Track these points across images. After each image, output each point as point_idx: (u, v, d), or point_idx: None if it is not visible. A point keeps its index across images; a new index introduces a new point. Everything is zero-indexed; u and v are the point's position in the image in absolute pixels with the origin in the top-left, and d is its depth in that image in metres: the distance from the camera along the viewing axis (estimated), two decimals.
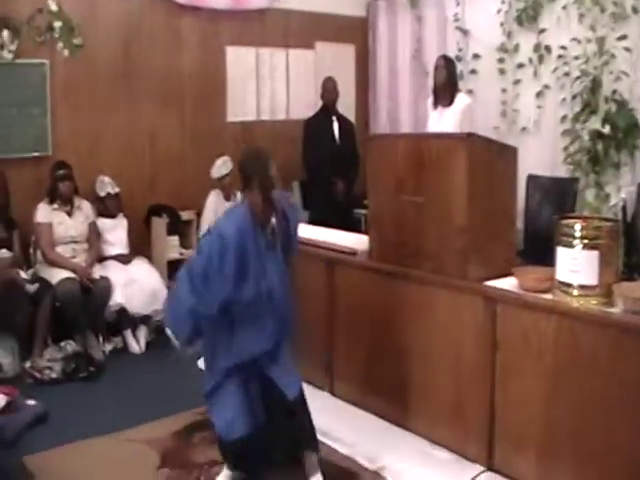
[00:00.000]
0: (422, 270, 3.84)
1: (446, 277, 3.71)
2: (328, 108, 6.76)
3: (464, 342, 3.62)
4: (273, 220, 3.46)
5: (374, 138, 5.16)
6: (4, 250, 5.38)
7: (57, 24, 5.90)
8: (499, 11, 6.39)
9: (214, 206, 6.24)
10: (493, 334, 3.47)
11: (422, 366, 3.86)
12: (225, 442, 3.48)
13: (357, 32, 7.83)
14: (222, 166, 6.25)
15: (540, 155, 6.07)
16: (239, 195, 6.40)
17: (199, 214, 6.36)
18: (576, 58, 5.86)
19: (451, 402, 3.73)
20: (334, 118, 6.74)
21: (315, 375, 4.54)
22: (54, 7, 5.86)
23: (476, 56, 6.67)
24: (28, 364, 5.08)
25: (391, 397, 4.07)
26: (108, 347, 5.54)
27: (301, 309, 4.59)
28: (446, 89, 5.85)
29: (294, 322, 3.62)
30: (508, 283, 3.55)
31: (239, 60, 6.97)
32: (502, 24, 6.38)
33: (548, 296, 3.33)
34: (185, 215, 6.40)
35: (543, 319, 3.25)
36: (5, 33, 5.67)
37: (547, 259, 3.48)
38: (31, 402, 4.31)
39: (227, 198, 6.33)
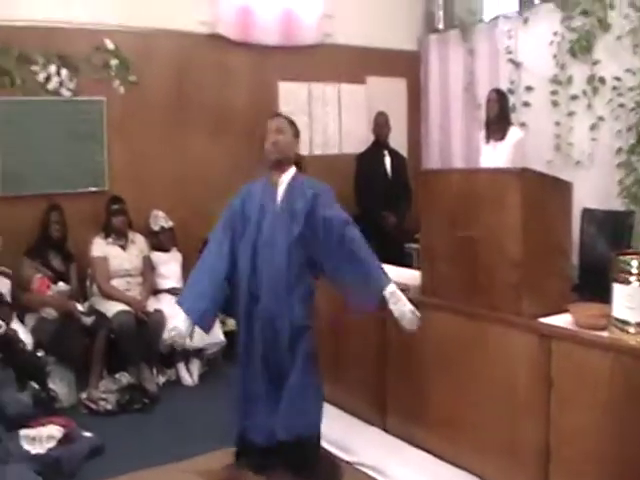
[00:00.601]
0: (475, 306, 3.80)
1: (500, 313, 3.67)
2: (380, 142, 6.79)
3: (518, 378, 3.57)
4: (282, 178, 3.66)
5: (426, 173, 5.16)
6: (62, 283, 5.52)
7: (113, 62, 6.09)
8: (552, 43, 6.35)
9: None
10: (547, 370, 3.42)
11: (475, 402, 3.81)
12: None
13: (409, 66, 7.86)
14: None
15: (595, 188, 5.98)
16: None
17: None
18: (631, 89, 5.80)
19: (505, 438, 3.66)
20: (386, 152, 6.76)
21: (366, 410, 4.52)
22: (111, 45, 6.05)
23: (529, 88, 6.63)
24: (84, 395, 5.16)
25: (443, 433, 4.01)
26: (162, 379, 5.60)
27: (351, 343, 4.62)
28: (498, 123, 5.84)
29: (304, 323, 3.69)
30: (563, 320, 3.49)
31: (291, 95, 7.07)
32: (555, 56, 6.34)
33: (604, 333, 3.27)
34: None
35: (599, 356, 3.19)
36: (64, 71, 5.86)
37: (603, 294, 3.42)
38: (87, 434, 4.36)
39: None
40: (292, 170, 3.75)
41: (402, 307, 3.56)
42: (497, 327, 3.68)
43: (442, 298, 4.00)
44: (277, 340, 3.67)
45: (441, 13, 7.80)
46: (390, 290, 3.56)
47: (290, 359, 3.67)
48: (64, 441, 4.10)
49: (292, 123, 3.79)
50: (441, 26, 7.80)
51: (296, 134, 3.75)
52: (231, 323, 5.83)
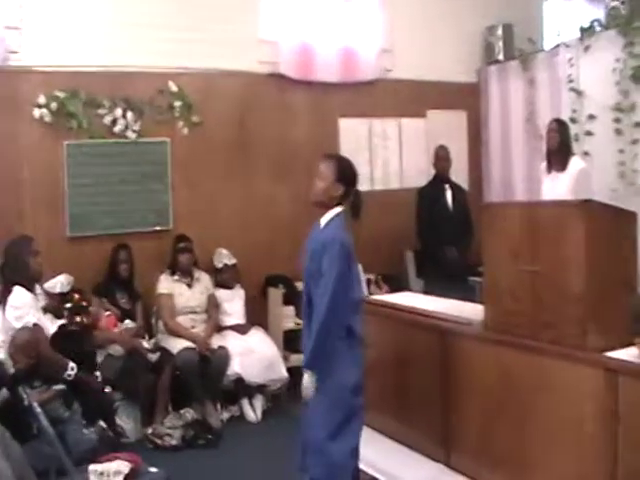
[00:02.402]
0: (539, 340, 3.74)
1: (564, 347, 3.60)
2: (441, 176, 6.74)
3: (584, 414, 3.49)
4: (321, 220, 3.78)
5: (488, 206, 5.12)
6: (128, 320, 5.64)
7: (177, 103, 6.23)
8: (614, 70, 6.24)
9: None
10: (615, 406, 3.34)
11: (541, 439, 3.73)
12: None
13: (468, 98, 7.82)
14: None
15: None
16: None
17: None
18: None
19: (571, 476, 3.58)
20: (447, 186, 6.70)
21: (430, 446, 4.47)
22: (174, 88, 6.21)
23: (591, 117, 6.52)
24: (149, 430, 5.25)
25: (509, 470, 3.93)
26: (225, 415, 5.65)
27: (415, 379, 4.59)
28: (559, 153, 5.77)
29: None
30: (629, 353, 3.41)
31: (351, 131, 7.12)
32: (617, 83, 6.22)
33: None
34: (301, 285, 6.39)
35: None
36: (129, 114, 6.02)
37: None
38: (153, 469, 4.39)
39: None
40: (331, 212, 3.76)
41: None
42: (562, 362, 3.61)
43: (505, 333, 3.95)
44: None
45: (501, 44, 7.75)
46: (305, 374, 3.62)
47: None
48: (131, 476, 4.13)
49: (338, 165, 3.79)
50: (501, 57, 7.75)
51: (340, 177, 3.74)
52: (294, 359, 5.86)
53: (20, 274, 4.74)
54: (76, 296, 5.28)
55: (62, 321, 5.07)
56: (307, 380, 3.61)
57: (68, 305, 5.22)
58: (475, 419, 4.15)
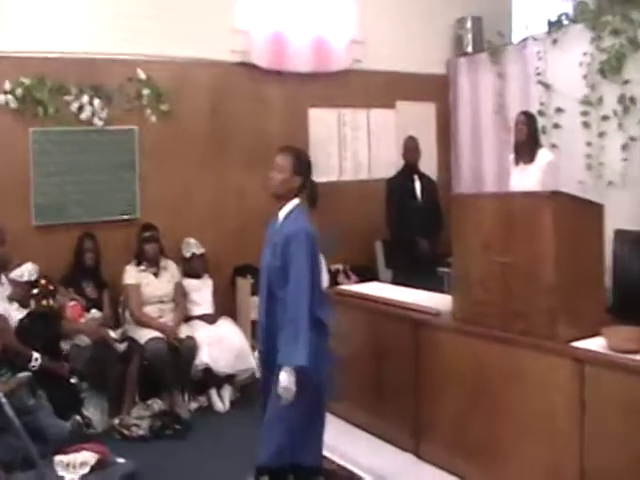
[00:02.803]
0: (509, 331, 3.77)
1: (534, 338, 3.64)
2: (410, 167, 6.74)
3: (554, 404, 3.53)
4: (280, 212, 3.81)
5: (458, 197, 5.15)
6: (95, 310, 5.58)
7: (145, 91, 6.16)
8: (581, 64, 6.30)
9: None
10: (581, 395, 3.38)
11: (511, 428, 3.77)
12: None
13: (438, 90, 7.86)
14: None
15: (628, 209, 5.91)
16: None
17: None
18: None
19: (543, 465, 3.61)
20: (416, 177, 6.71)
21: (400, 436, 4.50)
22: (143, 75, 6.15)
23: (559, 110, 6.59)
24: (117, 421, 5.20)
25: (481, 460, 3.96)
26: (194, 405, 5.61)
27: (385, 370, 4.60)
28: (527, 146, 5.82)
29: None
30: (597, 343, 3.46)
31: (321, 121, 7.12)
32: (585, 76, 6.29)
33: (638, 357, 3.23)
34: None
35: (633, 381, 3.16)
36: (97, 101, 5.95)
37: (638, 316, 3.39)
38: (120, 460, 4.37)
39: None
40: (290, 204, 3.76)
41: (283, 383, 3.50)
42: (531, 352, 3.65)
43: (475, 324, 3.98)
44: (269, 371, 3.72)
45: (470, 36, 7.79)
46: (283, 373, 3.49)
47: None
48: (97, 467, 4.12)
49: (296, 157, 3.81)
50: (470, 49, 7.79)
51: (297, 170, 3.76)
52: None
53: None
54: (43, 282, 5.23)
55: (29, 309, 5.02)
56: (287, 380, 3.47)
57: (35, 291, 5.18)
58: (447, 410, 4.18)
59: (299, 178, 3.77)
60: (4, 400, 3.74)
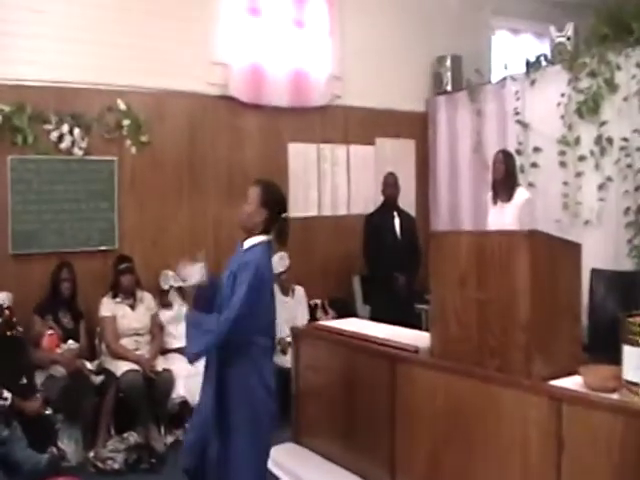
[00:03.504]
0: (485, 368, 3.79)
1: (510, 375, 3.65)
2: (389, 203, 6.79)
3: (530, 441, 3.52)
4: (245, 243, 3.79)
5: (436, 234, 5.17)
6: (71, 341, 5.54)
7: (125, 122, 6.18)
8: (559, 104, 6.40)
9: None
10: (559, 433, 3.39)
11: (488, 465, 3.75)
12: None
13: (417, 127, 7.95)
14: (280, 261, 6.29)
15: (604, 248, 5.98)
16: (297, 289, 6.47)
17: None
18: (638, 149, 5.84)
19: None
20: (395, 213, 6.76)
21: (376, 472, 4.47)
22: (123, 106, 6.17)
23: (537, 149, 6.68)
24: (91, 454, 5.14)
25: None
26: (170, 439, 5.54)
27: (361, 405, 4.59)
28: (505, 184, 5.89)
29: None
30: (573, 382, 3.47)
31: (300, 156, 7.16)
32: (562, 116, 6.38)
33: (615, 396, 3.25)
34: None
35: (610, 419, 3.16)
36: (77, 131, 5.96)
37: (613, 354, 3.41)
38: None
39: (285, 293, 6.40)
40: (257, 239, 3.74)
41: None
42: (507, 390, 3.65)
43: (452, 360, 3.98)
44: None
45: (449, 74, 7.90)
46: None
47: None
48: None
49: (264, 189, 3.78)
50: (449, 87, 7.89)
51: (264, 202, 3.73)
52: None
53: None
54: (6, 312, 5.18)
55: None
56: None
57: None
58: (423, 445, 4.16)
59: (265, 211, 3.73)
60: None
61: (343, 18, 7.25)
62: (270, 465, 5.01)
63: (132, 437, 5.21)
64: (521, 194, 5.87)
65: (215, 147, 6.64)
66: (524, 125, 6.82)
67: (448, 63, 7.90)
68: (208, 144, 6.61)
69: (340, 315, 6.40)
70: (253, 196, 3.75)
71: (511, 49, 8.62)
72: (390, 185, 6.81)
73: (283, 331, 6.05)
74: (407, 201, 7.32)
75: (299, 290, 6.54)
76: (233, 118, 6.73)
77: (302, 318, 6.37)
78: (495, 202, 5.97)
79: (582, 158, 6.26)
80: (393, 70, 7.66)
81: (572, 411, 3.33)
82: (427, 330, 4.47)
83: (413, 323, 5.49)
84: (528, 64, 6.83)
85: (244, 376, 3.64)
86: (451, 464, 3.97)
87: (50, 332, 5.41)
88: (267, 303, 3.76)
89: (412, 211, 7.36)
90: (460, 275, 3.98)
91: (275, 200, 3.81)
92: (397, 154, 7.69)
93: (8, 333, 5.09)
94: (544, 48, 7.13)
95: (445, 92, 7.92)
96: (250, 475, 3.64)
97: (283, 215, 3.84)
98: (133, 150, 6.24)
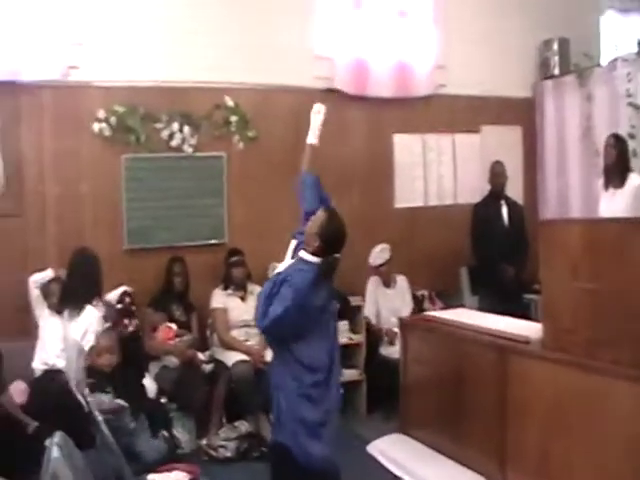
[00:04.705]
0: (598, 359, 3.70)
1: (625, 367, 3.56)
2: (497, 192, 6.69)
3: None
4: None
5: (547, 223, 5.08)
6: (184, 332, 5.68)
7: (233, 118, 6.29)
8: None
9: (374, 293, 6.35)
10: None
11: (600, 460, 3.68)
12: None
13: (523, 113, 7.76)
14: (380, 253, 6.30)
15: None
16: (399, 279, 6.45)
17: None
18: None
19: None
20: (503, 202, 6.65)
21: (486, 465, 4.44)
22: (231, 103, 6.27)
23: None
24: (204, 442, 5.30)
25: None
26: None
27: (470, 396, 4.56)
28: (617, 169, 5.71)
29: None
30: None
31: (406, 147, 7.12)
32: None
33: None
34: (354, 301, 6.32)
35: None
36: (186, 129, 6.10)
37: None
38: None
39: (386, 284, 6.41)
40: (310, 257, 3.60)
41: None
42: (621, 382, 3.57)
43: (563, 352, 3.92)
44: None
45: (556, 58, 7.67)
46: None
47: None
48: None
49: (327, 225, 3.61)
50: (556, 72, 7.68)
51: (321, 235, 3.57)
52: (348, 374, 5.89)
53: (90, 291, 5.16)
54: (127, 299, 5.39)
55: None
56: None
57: (119, 306, 5.39)
58: (533, 437, 4.11)
59: (319, 242, 3.57)
60: (100, 418, 3.85)
61: (447, 4, 7.14)
62: (377, 455, 5.10)
63: (243, 426, 5.34)
64: (634, 180, 5.68)
65: (321, 140, 6.64)
66: (636, 107, 6.56)
67: (555, 47, 7.67)
68: None
69: (447, 306, 6.35)
70: (316, 221, 3.64)
71: (621, 29, 8.31)
72: (497, 174, 6.70)
73: (389, 322, 6.08)
74: (514, 190, 7.16)
75: (402, 280, 6.51)
76: (338, 111, 6.71)
77: (406, 308, 6.34)
78: (607, 188, 5.79)
79: None
80: (498, 56, 7.49)
81: None
82: (536, 321, 4.40)
83: (522, 314, 5.39)
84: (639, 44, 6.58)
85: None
86: (561, 456, 3.92)
87: (167, 325, 5.59)
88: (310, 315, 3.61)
89: (520, 200, 7.19)
90: (572, 265, 3.90)
91: (332, 238, 3.62)
92: (503, 142, 7.52)
93: (125, 321, 5.34)
94: None
95: (552, 76, 7.70)
96: None
97: (335, 255, 3.69)
98: (241, 146, 6.35)
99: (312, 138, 4.40)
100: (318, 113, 4.27)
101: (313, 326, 3.60)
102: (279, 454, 3.65)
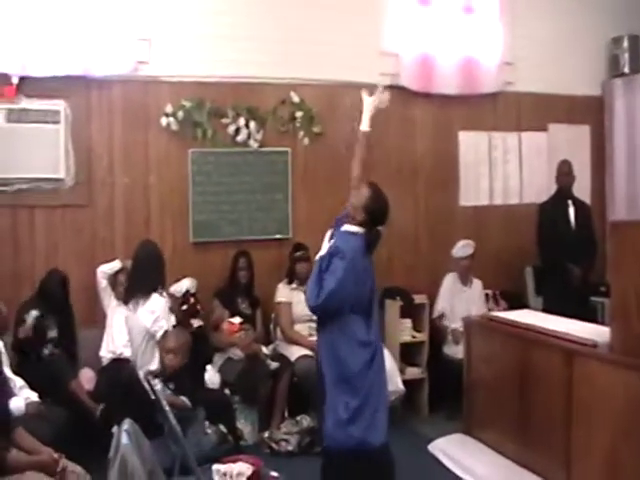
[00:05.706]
0: None
1: None
2: (563, 192, 6.57)
3: None
4: None
5: (618, 224, 4.97)
6: (249, 326, 5.74)
7: (298, 114, 6.33)
8: None
9: (450, 289, 6.31)
10: None
11: None
12: None
13: (592, 112, 7.62)
14: (463, 248, 6.30)
15: None
16: (475, 282, 6.40)
17: (430, 298, 6.35)
18: None
19: None
20: (570, 202, 6.53)
21: (550, 465, 4.39)
22: (296, 98, 6.31)
23: None
24: (266, 435, 5.36)
25: None
26: None
27: (535, 399, 4.52)
28: None
29: None
30: None
31: (471, 144, 7.06)
32: None
33: None
34: (418, 299, 6.30)
35: None
36: (252, 124, 6.16)
37: None
38: (274, 474, 4.45)
39: (464, 282, 6.39)
40: (353, 228, 3.89)
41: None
42: None
43: (633, 356, 3.85)
44: None
45: (626, 56, 7.53)
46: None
47: None
48: (253, 479, 4.22)
49: (373, 198, 3.89)
50: (626, 70, 7.53)
51: (366, 208, 3.85)
52: (411, 372, 5.88)
53: (154, 282, 5.25)
54: (191, 300, 5.47)
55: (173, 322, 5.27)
56: None
57: (184, 307, 5.45)
58: (600, 440, 4.05)
59: (364, 215, 3.81)
60: (168, 408, 3.92)
61: (513, 1, 7.06)
62: (438, 454, 5.09)
63: (305, 420, 5.37)
64: None
65: (386, 137, 6.64)
66: None
67: (625, 44, 7.52)
68: (379, 134, 6.55)
69: (511, 307, 6.28)
70: (361, 195, 3.83)
71: None
72: (564, 173, 6.59)
73: (457, 321, 6.03)
74: (582, 189, 7.04)
75: (477, 283, 6.47)
76: (404, 108, 6.72)
77: (477, 311, 6.29)
78: None
79: None
80: (566, 53, 7.36)
81: None
82: (604, 324, 4.34)
83: (588, 317, 5.31)
84: None
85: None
86: (631, 462, 3.85)
87: (234, 319, 5.66)
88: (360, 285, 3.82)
89: (587, 200, 7.06)
90: None
91: (376, 210, 3.85)
92: (571, 140, 7.40)
93: (191, 321, 5.41)
94: None
95: (622, 74, 7.56)
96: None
97: (379, 227, 3.88)
98: (306, 141, 6.39)
99: (365, 125, 4.29)
100: (382, 93, 4.20)
101: (362, 297, 3.79)
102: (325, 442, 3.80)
